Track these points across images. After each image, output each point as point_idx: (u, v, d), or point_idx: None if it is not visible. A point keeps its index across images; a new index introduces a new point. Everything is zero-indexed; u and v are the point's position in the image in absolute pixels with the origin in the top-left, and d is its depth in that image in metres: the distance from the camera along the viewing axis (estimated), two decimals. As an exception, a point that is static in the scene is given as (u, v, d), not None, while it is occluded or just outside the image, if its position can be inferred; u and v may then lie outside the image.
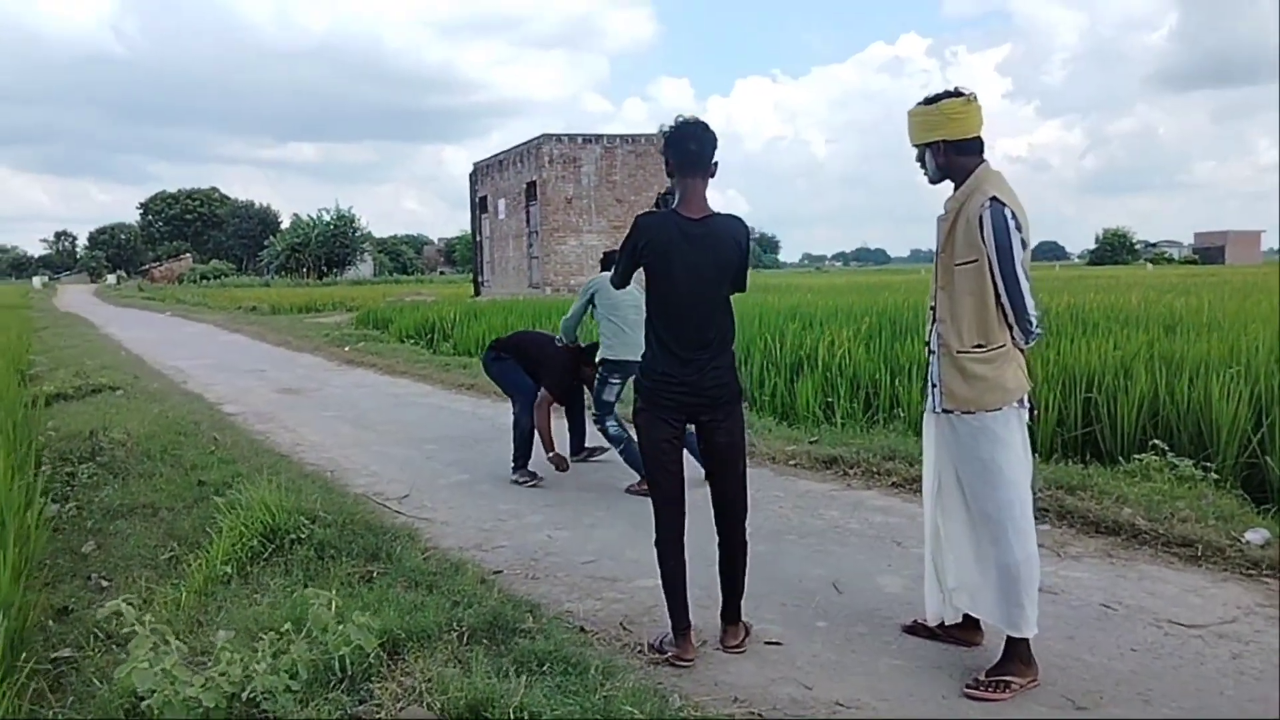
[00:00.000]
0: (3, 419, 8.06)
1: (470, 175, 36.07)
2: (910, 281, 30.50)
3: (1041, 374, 7.13)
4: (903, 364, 8.18)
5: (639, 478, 6.06)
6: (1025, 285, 3.25)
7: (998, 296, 3.26)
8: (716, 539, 3.66)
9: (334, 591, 3.75)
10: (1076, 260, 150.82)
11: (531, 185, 28.90)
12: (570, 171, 27.65)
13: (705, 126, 3.44)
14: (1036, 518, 3.46)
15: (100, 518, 6.25)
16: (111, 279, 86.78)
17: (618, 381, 6.34)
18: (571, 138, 28.20)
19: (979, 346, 3.31)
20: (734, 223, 3.52)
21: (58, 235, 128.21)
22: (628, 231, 3.54)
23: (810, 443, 7.08)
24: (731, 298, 3.61)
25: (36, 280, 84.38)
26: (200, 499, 6.00)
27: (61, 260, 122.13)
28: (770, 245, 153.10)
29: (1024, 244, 3.25)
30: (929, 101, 3.39)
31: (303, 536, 4.78)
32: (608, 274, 6.29)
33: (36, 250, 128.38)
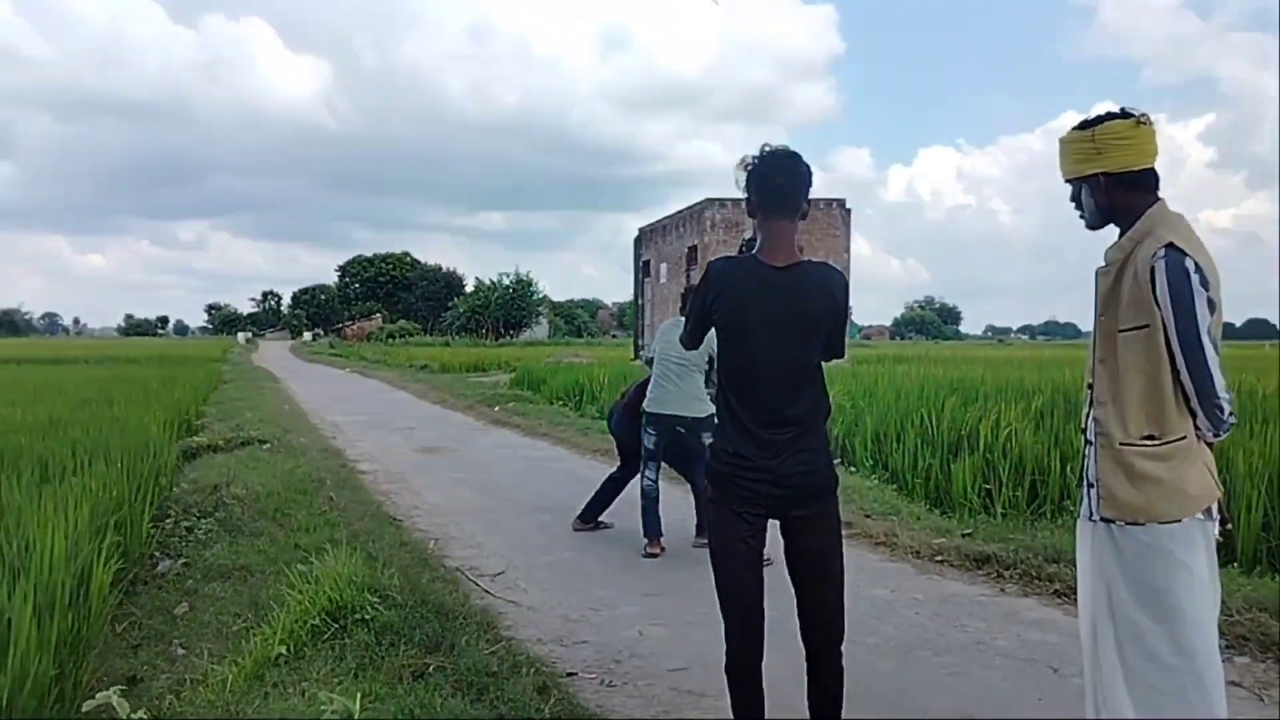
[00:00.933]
0: (136, 469, 8.14)
1: (635, 240, 36.24)
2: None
3: (1244, 467, 6.03)
4: (1077, 448, 7.17)
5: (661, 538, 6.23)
6: (1213, 358, 2.47)
7: (1175, 373, 2.50)
8: (805, 658, 2.96)
9: (360, 697, 3.25)
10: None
11: (693, 250, 28.65)
12: (732, 236, 27.20)
13: (797, 158, 2.83)
14: (1233, 647, 2.63)
15: (201, 577, 6.04)
16: (308, 335, 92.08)
17: (654, 433, 6.31)
18: (735, 202, 27.63)
19: (1150, 439, 2.54)
20: (827, 271, 2.87)
21: (265, 294, 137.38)
22: (699, 280, 2.97)
23: (963, 535, 6.21)
24: (830, 365, 2.97)
25: (241, 336, 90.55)
26: (291, 563, 5.68)
27: (267, 318, 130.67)
28: (952, 315, 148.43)
29: (1212, 305, 2.48)
30: (1086, 125, 2.68)
31: (367, 618, 4.33)
32: (677, 319, 6.05)
33: (245, 308, 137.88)
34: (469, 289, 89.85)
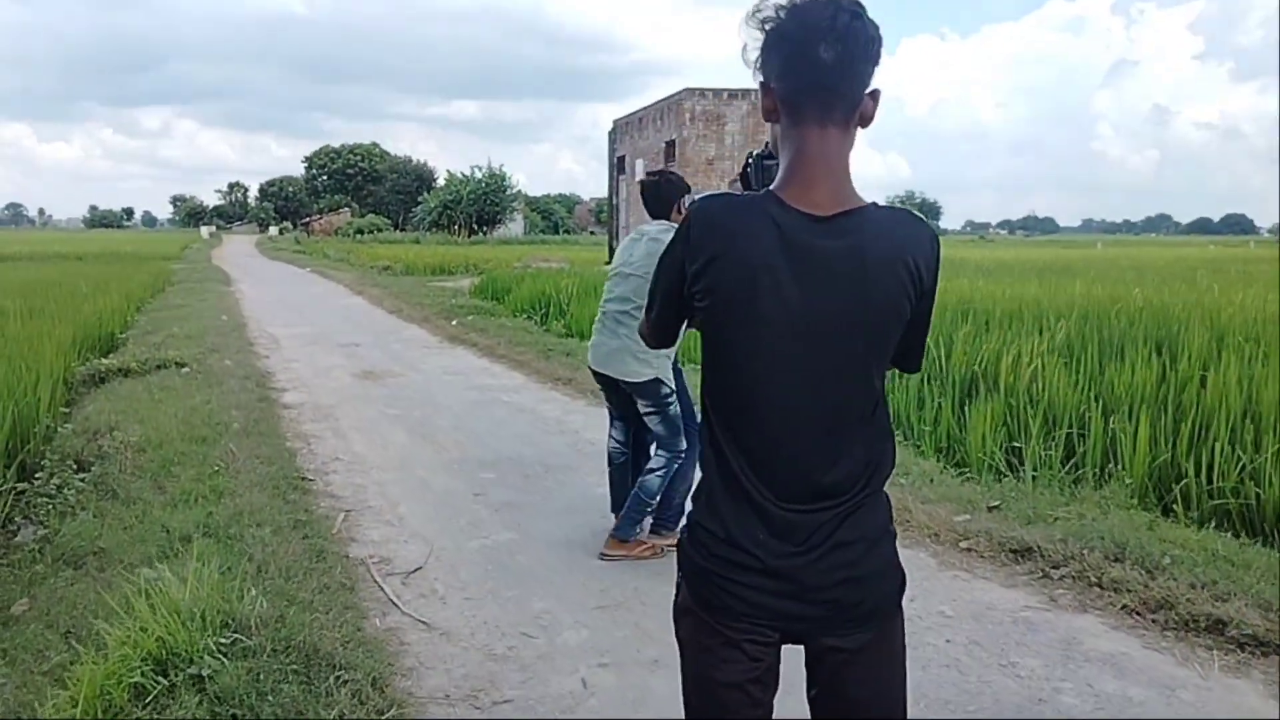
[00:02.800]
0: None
1: (610, 133, 34.40)
2: (1096, 262, 27.33)
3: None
4: (1120, 396, 6.02)
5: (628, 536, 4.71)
6: None
7: None
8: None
9: None
10: (1267, 235, 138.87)
11: (671, 145, 27.00)
12: (713, 130, 25.60)
13: (856, 13, 1.52)
14: None
15: (54, 559, 4.87)
16: (274, 230, 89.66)
17: (602, 389, 5.10)
18: (716, 93, 26.06)
19: None
20: (905, 224, 1.60)
21: (231, 186, 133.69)
22: (674, 231, 1.70)
23: (990, 508, 5.07)
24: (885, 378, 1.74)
25: (204, 230, 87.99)
26: (149, 558, 4.48)
27: (234, 210, 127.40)
28: (932, 211, 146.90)
29: None
30: None
31: (204, 673, 3.15)
32: (638, 233, 4.73)
33: (212, 200, 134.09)
34: (440, 182, 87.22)
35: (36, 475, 6.05)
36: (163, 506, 5.24)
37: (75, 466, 6.23)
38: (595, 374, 4.87)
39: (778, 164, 1.63)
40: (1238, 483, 4.89)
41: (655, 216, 4.58)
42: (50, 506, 5.64)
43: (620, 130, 33.26)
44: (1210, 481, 4.99)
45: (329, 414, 8.06)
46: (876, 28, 1.53)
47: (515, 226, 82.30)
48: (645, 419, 4.66)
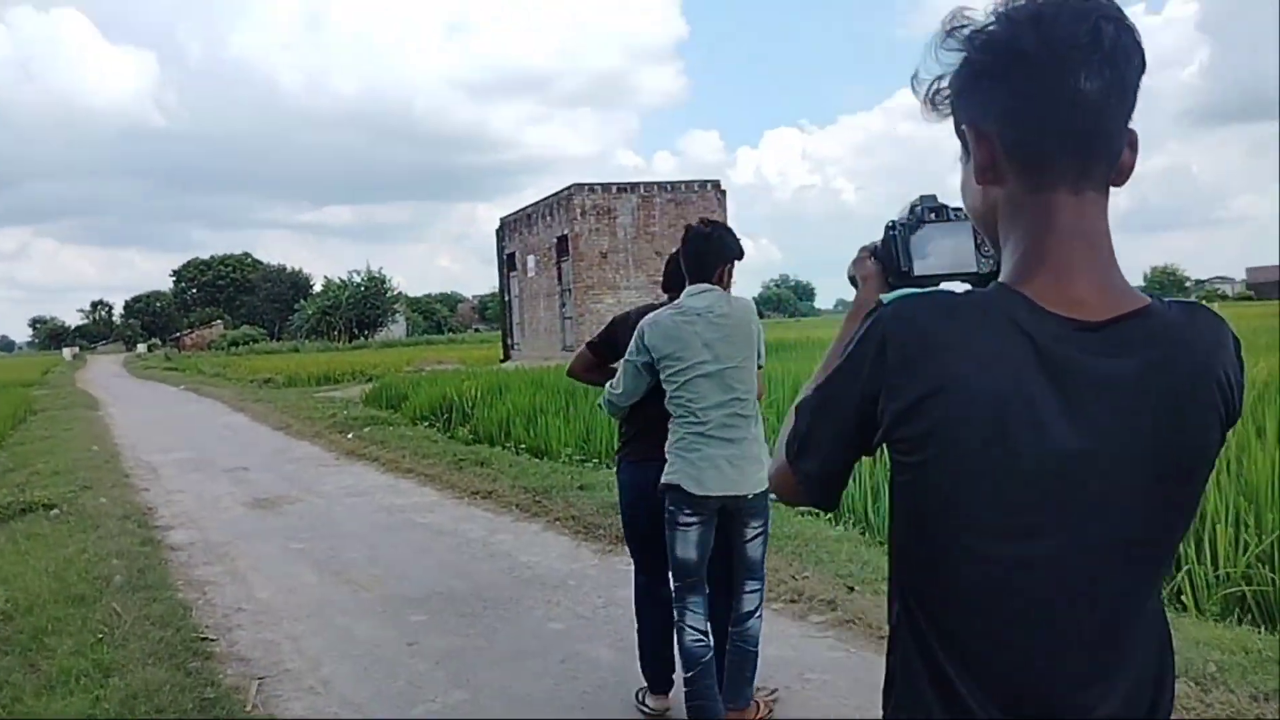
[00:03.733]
0: None
1: (497, 231, 34.03)
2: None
3: None
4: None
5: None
6: None
7: None
8: None
9: None
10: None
11: (563, 240, 26.75)
12: (605, 224, 25.46)
13: (1119, 19, 1.01)
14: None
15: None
16: (142, 348, 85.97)
17: (694, 522, 3.47)
18: (605, 187, 26.03)
19: None
20: (1210, 331, 1.08)
21: (94, 305, 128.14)
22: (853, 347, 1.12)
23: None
24: None
25: (66, 352, 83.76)
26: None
27: (98, 330, 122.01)
28: (806, 292, 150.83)
29: None
30: None
31: None
32: (670, 306, 3.55)
33: (74, 320, 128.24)
34: (317, 289, 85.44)
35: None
36: (36, 692, 4.36)
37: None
38: (694, 500, 3.46)
39: (1016, 250, 1.12)
40: (1246, 568, 4.56)
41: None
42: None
43: (508, 227, 32.93)
44: (1216, 567, 4.65)
45: (224, 554, 7.19)
46: (1138, 41, 1.05)
47: (397, 329, 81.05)
48: (747, 545, 3.60)
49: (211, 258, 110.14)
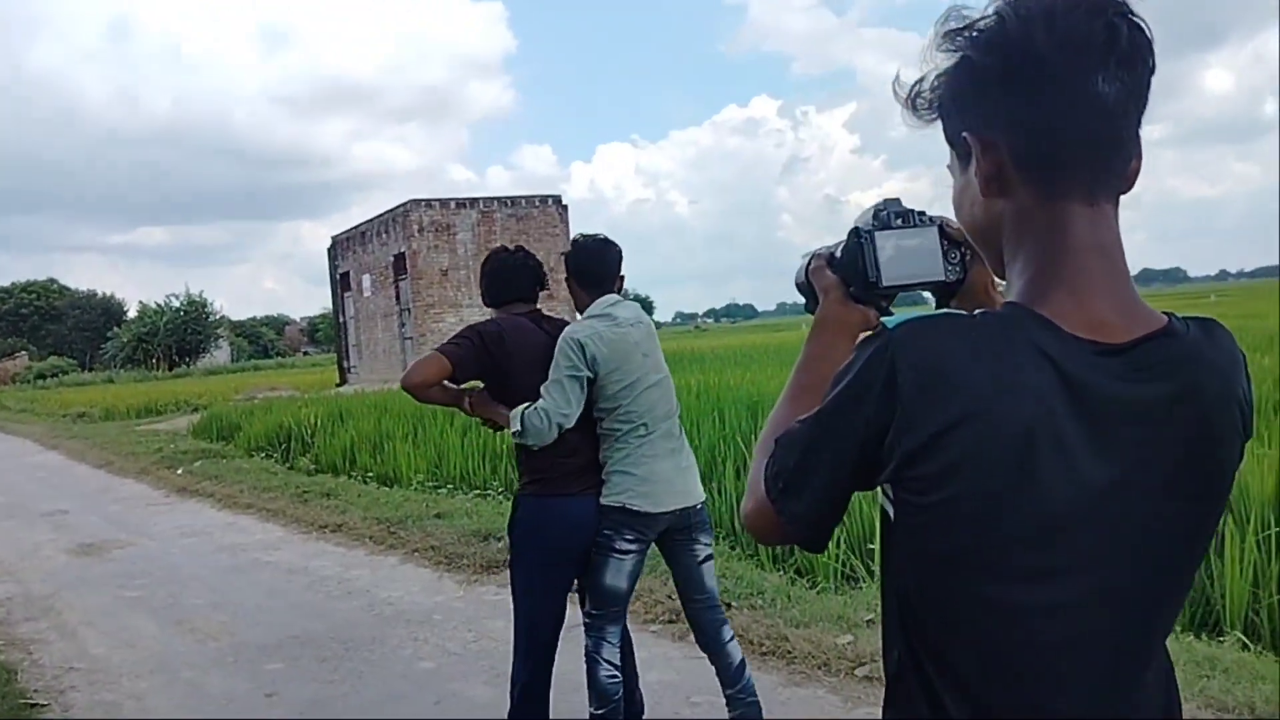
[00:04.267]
0: None
1: (329, 250, 32.90)
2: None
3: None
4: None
5: None
6: None
7: None
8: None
9: None
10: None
11: (400, 258, 26.08)
12: (444, 240, 24.95)
13: (1128, 16, 0.94)
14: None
15: None
16: (-65, 383, 79.06)
17: (634, 549, 3.27)
18: (443, 203, 25.53)
19: None
20: (1227, 350, 1.02)
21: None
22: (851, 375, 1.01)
23: (868, 623, 4.66)
24: None
25: None
26: None
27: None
28: (646, 306, 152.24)
29: None
30: None
31: None
32: (597, 318, 3.33)
33: None
34: (132, 315, 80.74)
35: None
36: None
37: None
38: (643, 518, 3.27)
39: (1027, 267, 1.03)
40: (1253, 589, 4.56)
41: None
42: None
43: (341, 246, 31.87)
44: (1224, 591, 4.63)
45: (48, 607, 6.57)
46: (1151, 35, 0.99)
47: (221, 354, 77.47)
48: (701, 568, 3.42)
49: (12, 285, 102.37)
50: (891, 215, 1.22)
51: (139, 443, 16.59)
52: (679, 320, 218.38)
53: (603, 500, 3.25)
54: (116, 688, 4.91)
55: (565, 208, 26.69)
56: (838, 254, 1.26)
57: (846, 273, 1.25)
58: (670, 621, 5.13)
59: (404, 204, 25.65)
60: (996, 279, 1.19)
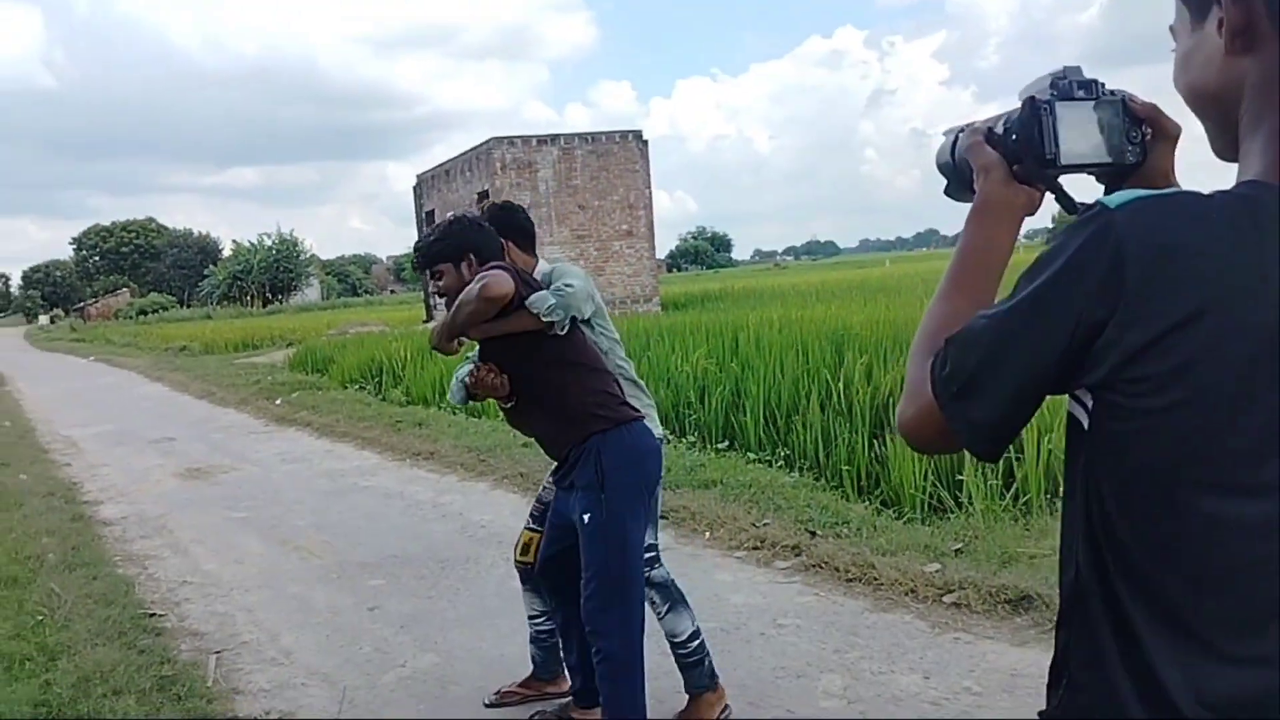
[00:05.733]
0: None
1: (415, 188, 33.32)
2: (902, 278, 28.35)
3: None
4: (1040, 414, 5.79)
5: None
6: None
7: None
8: None
9: None
10: (1024, 241, 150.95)
11: (483, 195, 26.27)
12: (525, 178, 25.06)
13: None
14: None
15: None
16: (44, 319, 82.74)
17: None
18: (525, 140, 25.58)
19: None
20: None
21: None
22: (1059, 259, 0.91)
23: (955, 552, 4.67)
24: None
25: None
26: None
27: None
28: (723, 244, 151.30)
29: None
30: None
31: None
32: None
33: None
34: (227, 253, 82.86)
35: None
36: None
37: None
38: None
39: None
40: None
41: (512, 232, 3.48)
42: None
43: (425, 185, 32.25)
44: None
45: (161, 526, 6.93)
46: None
47: (312, 292, 79.28)
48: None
49: (113, 224, 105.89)
50: (1074, 84, 1.10)
51: (238, 375, 17.20)
52: (757, 258, 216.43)
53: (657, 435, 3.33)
54: (228, 600, 5.18)
55: (646, 143, 26.52)
56: (997, 128, 1.13)
57: (1015, 148, 1.11)
58: (755, 548, 5.21)
59: (486, 142, 25.78)
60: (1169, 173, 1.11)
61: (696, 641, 3.28)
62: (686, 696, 3.35)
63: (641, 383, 3.56)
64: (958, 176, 1.19)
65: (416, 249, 3.28)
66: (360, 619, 4.75)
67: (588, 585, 2.99)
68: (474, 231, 3.21)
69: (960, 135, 1.18)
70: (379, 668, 4.12)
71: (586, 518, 2.97)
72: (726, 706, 3.33)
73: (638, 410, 3.17)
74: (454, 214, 3.51)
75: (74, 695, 3.77)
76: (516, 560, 3.55)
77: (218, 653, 4.38)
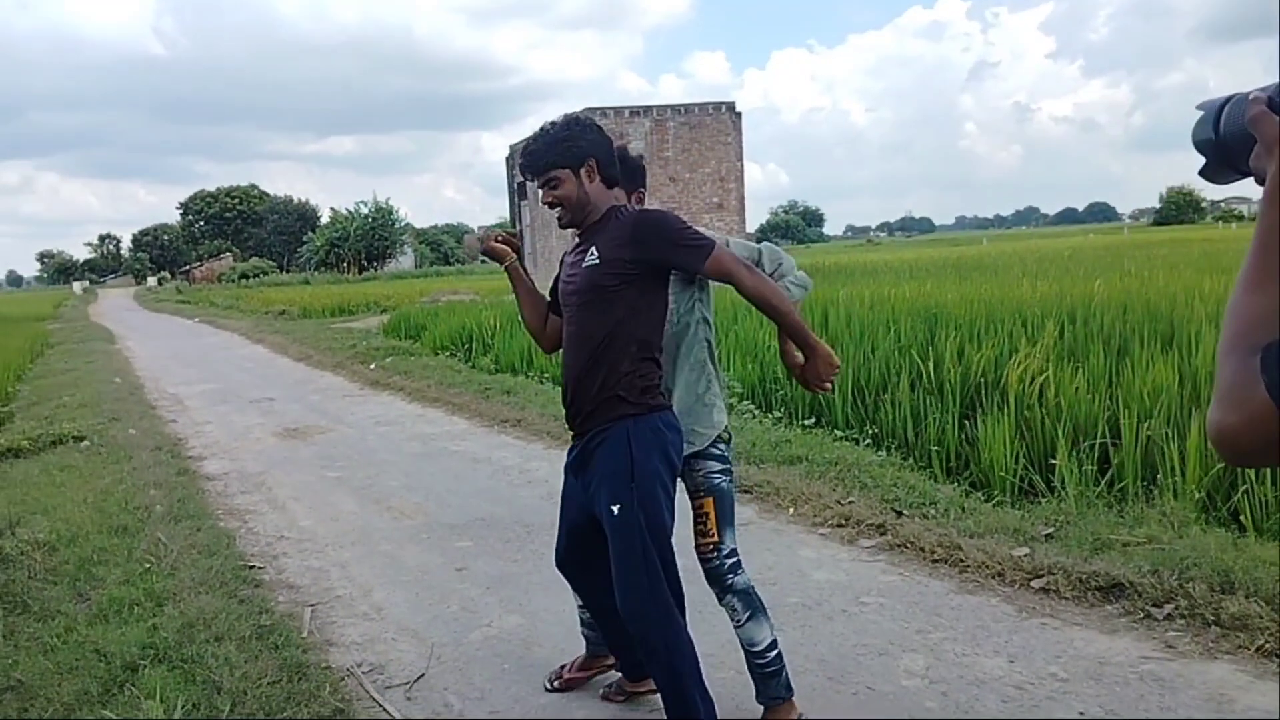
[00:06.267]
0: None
1: (507, 159, 33.63)
2: (999, 256, 27.65)
3: None
4: (1142, 400, 5.62)
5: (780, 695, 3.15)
6: None
7: None
8: None
9: None
10: (1129, 220, 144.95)
11: (575, 167, 26.42)
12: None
13: None
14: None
15: (-43, 701, 3.96)
16: (152, 281, 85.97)
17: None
18: (617, 111, 25.56)
19: None
20: None
21: (102, 239, 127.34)
22: None
23: (1046, 536, 4.58)
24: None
25: (77, 286, 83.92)
26: (86, 698, 3.63)
27: (106, 263, 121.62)
28: (815, 218, 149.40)
29: None
30: None
31: None
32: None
33: (82, 254, 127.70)
34: (325, 220, 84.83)
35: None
36: (89, 621, 4.37)
37: (-29, 575, 5.28)
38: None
39: None
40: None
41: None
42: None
43: (518, 155, 32.47)
44: (1276, 486, 4.59)
45: (260, 483, 7.19)
46: None
47: (406, 260, 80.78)
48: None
49: (218, 190, 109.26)
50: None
51: (334, 339, 17.66)
52: (849, 234, 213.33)
53: (723, 425, 3.19)
54: (323, 556, 5.36)
55: (739, 115, 26.28)
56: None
57: None
58: (839, 525, 5.18)
59: (579, 112, 25.83)
60: None
61: (775, 652, 3.12)
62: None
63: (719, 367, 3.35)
64: (1222, 154, 1.08)
65: (527, 152, 2.98)
66: (448, 578, 4.87)
67: (623, 579, 2.83)
68: (596, 134, 2.95)
69: (1227, 107, 1.05)
70: (466, 626, 4.23)
71: (616, 509, 2.81)
72: (801, 716, 3.19)
73: (667, 401, 3.03)
74: (568, 114, 3.15)
75: (179, 639, 3.96)
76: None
77: (313, 606, 4.55)
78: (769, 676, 3.12)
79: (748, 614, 3.10)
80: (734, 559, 3.12)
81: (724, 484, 3.13)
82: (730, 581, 3.10)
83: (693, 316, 3.15)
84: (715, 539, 3.09)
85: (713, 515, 3.10)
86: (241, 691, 3.44)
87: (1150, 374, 5.81)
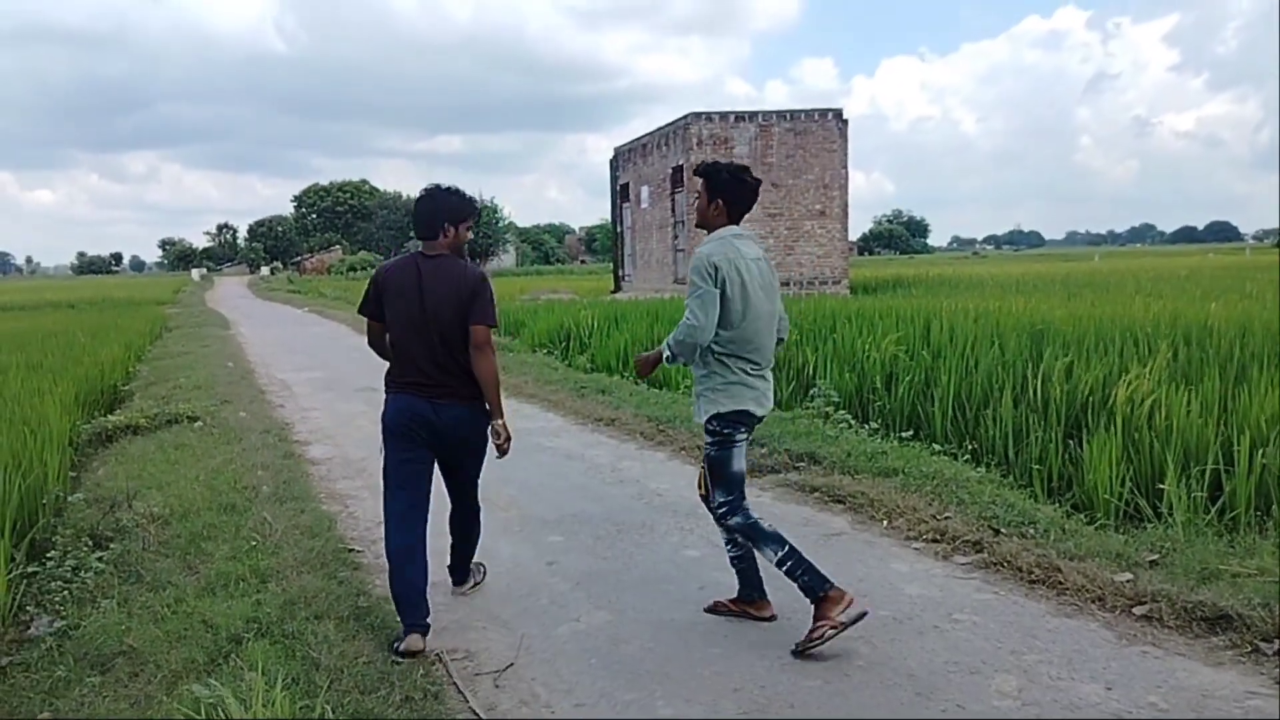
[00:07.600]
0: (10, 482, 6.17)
1: (610, 161, 33.86)
2: (1112, 274, 26.80)
3: None
4: (1258, 425, 5.39)
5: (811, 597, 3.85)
6: None
7: None
8: None
9: None
10: (1251, 241, 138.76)
11: (678, 170, 26.45)
12: (722, 154, 24.96)
13: None
14: None
15: (75, 661, 4.17)
16: (265, 270, 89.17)
17: (744, 440, 4.14)
18: (723, 116, 25.51)
19: None
20: None
21: (220, 228, 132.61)
22: None
23: (1150, 563, 4.44)
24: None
25: (195, 273, 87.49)
26: (193, 666, 3.80)
27: (223, 252, 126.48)
28: (919, 229, 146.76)
29: None
30: None
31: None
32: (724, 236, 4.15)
33: (200, 242, 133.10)
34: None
35: (48, 555, 5.40)
36: (198, 593, 4.57)
37: (91, 544, 5.58)
38: (753, 419, 4.12)
39: None
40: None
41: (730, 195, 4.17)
42: (66, 592, 4.99)
43: (622, 158, 32.73)
44: None
45: (361, 469, 7.40)
46: None
47: (508, 258, 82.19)
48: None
49: (330, 184, 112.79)
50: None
51: (436, 333, 18.00)
52: (955, 245, 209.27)
53: (727, 407, 3.99)
54: (419, 543, 5.48)
55: (845, 123, 25.97)
56: None
57: None
58: (934, 540, 5.10)
59: (684, 117, 25.88)
60: None
61: (790, 562, 3.88)
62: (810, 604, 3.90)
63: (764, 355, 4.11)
64: None
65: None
66: (539, 572, 4.95)
67: None
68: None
69: None
70: (554, 619, 4.29)
71: None
72: (852, 600, 3.83)
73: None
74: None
75: (281, 615, 4.11)
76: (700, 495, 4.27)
77: (408, 590, 4.65)
78: (799, 578, 3.83)
79: (749, 544, 4.04)
80: (724, 509, 4.04)
81: (712, 453, 4.07)
82: (727, 523, 4.05)
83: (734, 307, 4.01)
84: (704, 493, 4.16)
85: (705, 475, 4.13)
86: (338, 669, 3.56)
87: (1269, 400, 5.57)
